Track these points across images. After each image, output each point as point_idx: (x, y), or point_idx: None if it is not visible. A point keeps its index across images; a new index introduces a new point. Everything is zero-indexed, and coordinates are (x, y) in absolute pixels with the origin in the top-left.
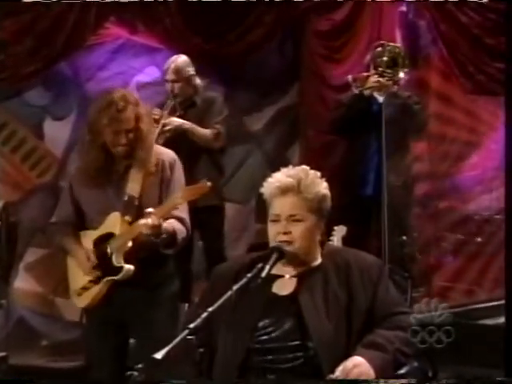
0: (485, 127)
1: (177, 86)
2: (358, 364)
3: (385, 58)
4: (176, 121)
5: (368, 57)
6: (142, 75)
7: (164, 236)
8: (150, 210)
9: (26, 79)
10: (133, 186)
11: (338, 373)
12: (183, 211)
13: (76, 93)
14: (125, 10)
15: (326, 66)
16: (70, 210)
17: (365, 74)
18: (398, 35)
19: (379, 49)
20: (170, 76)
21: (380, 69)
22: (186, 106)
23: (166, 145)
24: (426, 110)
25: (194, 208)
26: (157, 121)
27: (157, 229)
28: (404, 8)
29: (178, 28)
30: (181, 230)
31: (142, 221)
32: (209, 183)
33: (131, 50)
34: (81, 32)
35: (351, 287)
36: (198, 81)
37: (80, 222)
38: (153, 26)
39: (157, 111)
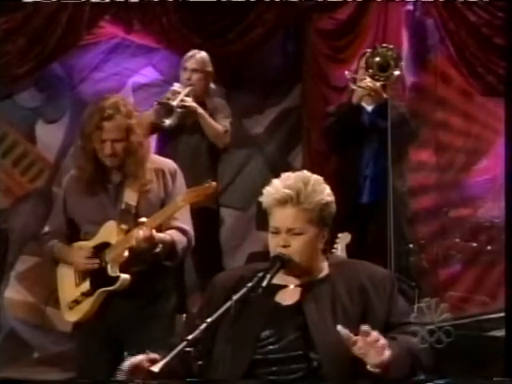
0: (494, 131)
1: (195, 76)
2: (380, 338)
3: (376, 59)
4: (192, 102)
5: (354, 65)
6: (139, 76)
7: (160, 246)
8: (142, 219)
9: (17, 80)
10: (130, 195)
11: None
12: (185, 221)
13: (69, 94)
14: (120, 9)
15: (330, 67)
16: (63, 221)
17: (355, 75)
18: (404, 34)
19: (371, 51)
20: (191, 64)
21: (371, 70)
22: (197, 102)
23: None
24: (417, 118)
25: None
26: (175, 93)
27: (149, 241)
28: (410, 7)
29: (175, 27)
30: (181, 240)
31: (134, 233)
32: (214, 183)
33: (127, 50)
34: (74, 31)
35: (366, 301)
36: (212, 84)
37: (73, 234)
38: (149, 25)
39: (177, 85)
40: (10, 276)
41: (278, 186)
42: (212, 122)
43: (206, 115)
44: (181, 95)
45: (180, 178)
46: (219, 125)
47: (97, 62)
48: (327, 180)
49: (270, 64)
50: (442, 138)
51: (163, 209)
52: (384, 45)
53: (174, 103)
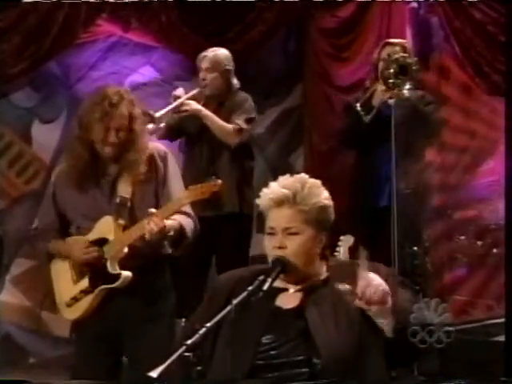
0: (500, 132)
1: (209, 75)
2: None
3: (391, 71)
4: (195, 105)
5: (375, 54)
6: (137, 75)
7: (171, 234)
8: (152, 210)
9: (12, 79)
10: (124, 187)
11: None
12: (186, 206)
13: (66, 94)
14: (118, 7)
15: (332, 66)
16: (53, 216)
17: (367, 94)
18: (409, 33)
19: (384, 60)
20: (204, 63)
21: (390, 81)
22: (215, 103)
23: (181, 129)
24: (439, 111)
25: (214, 216)
26: (176, 98)
27: (162, 231)
28: (415, 4)
29: (174, 25)
30: (188, 223)
31: (145, 226)
32: (219, 181)
33: (125, 49)
34: (71, 29)
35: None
36: (234, 80)
37: (64, 229)
38: (147, 23)
39: (181, 90)
40: (5, 279)
41: (274, 187)
42: (219, 122)
43: (211, 116)
44: (181, 99)
45: (171, 161)
46: (232, 124)
47: (94, 61)
48: (330, 181)
49: (270, 63)
50: (447, 138)
51: (166, 205)
52: (400, 54)
53: (157, 114)
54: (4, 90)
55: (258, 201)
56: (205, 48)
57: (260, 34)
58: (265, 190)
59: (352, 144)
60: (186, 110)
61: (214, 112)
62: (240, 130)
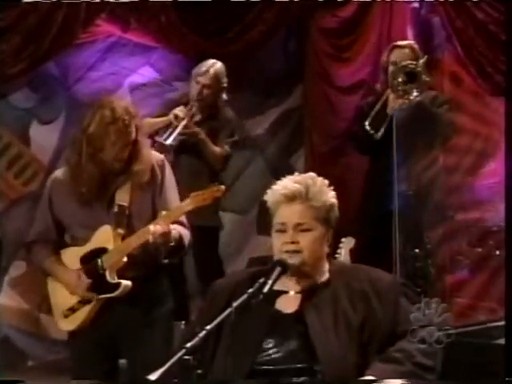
0: (502, 133)
1: (206, 91)
2: None
3: (400, 79)
4: (196, 128)
5: (384, 58)
6: (136, 76)
7: (172, 244)
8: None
9: (11, 80)
10: (122, 196)
11: None
12: (182, 216)
13: (64, 95)
14: (117, 7)
15: (333, 66)
16: (50, 226)
17: (379, 103)
18: (410, 33)
19: (393, 65)
20: (205, 80)
21: (400, 88)
22: (205, 115)
23: (179, 147)
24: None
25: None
26: (179, 119)
27: (167, 236)
28: (416, 4)
29: (173, 25)
30: (186, 234)
31: (150, 229)
32: (222, 186)
33: (124, 49)
34: (70, 29)
35: (367, 310)
36: (224, 95)
37: (61, 239)
38: (147, 23)
39: (182, 110)
40: (3, 281)
41: (286, 183)
42: (211, 147)
43: (205, 140)
44: (184, 121)
45: (168, 169)
46: (220, 147)
47: (93, 62)
48: (331, 183)
49: (270, 64)
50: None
51: (168, 212)
52: (407, 61)
53: (168, 142)
54: (3, 90)
55: (266, 197)
56: (205, 48)
57: (260, 34)
58: (274, 187)
59: (363, 153)
60: (187, 133)
61: (204, 124)
62: (225, 157)
